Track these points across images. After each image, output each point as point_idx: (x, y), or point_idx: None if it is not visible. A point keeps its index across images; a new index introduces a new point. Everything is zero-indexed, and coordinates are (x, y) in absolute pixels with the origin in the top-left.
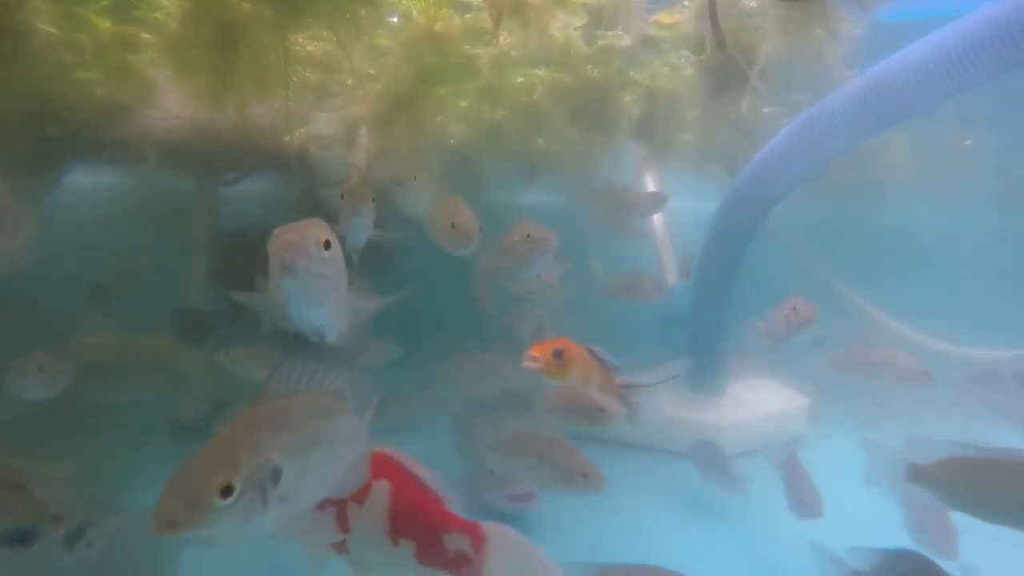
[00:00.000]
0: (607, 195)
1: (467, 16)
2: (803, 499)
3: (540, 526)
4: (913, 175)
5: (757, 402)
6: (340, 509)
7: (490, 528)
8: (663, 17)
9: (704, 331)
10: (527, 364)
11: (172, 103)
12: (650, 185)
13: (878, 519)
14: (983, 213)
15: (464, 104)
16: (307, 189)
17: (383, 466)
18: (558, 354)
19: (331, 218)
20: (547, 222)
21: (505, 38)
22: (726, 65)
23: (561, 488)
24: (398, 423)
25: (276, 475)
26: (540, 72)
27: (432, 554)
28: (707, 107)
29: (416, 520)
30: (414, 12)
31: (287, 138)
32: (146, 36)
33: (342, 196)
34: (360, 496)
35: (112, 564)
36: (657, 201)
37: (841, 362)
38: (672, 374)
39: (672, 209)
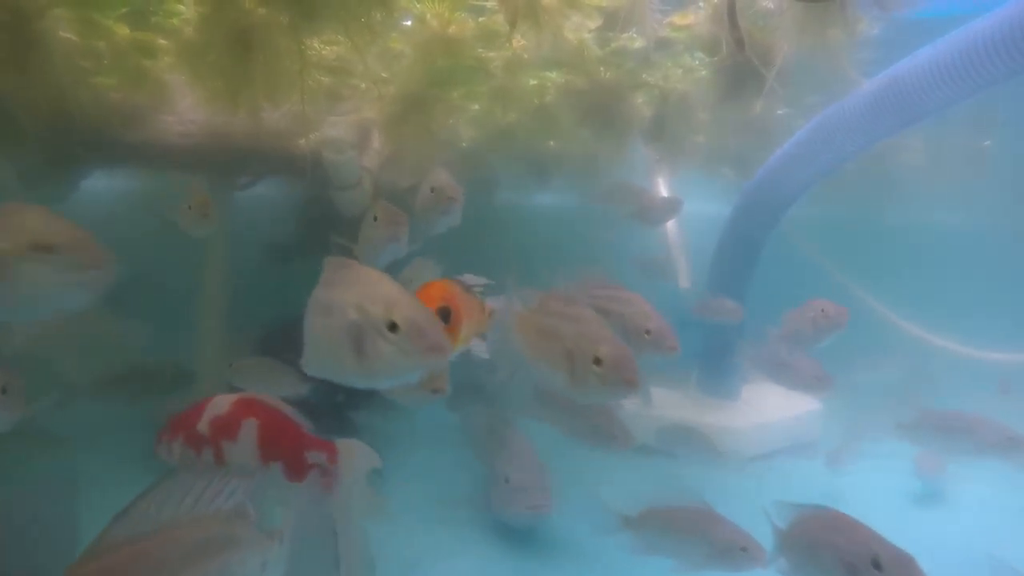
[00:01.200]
0: (622, 196)
1: (480, 19)
2: None
3: (551, 533)
4: (928, 175)
5: (771, 405)
6: (216, 448)
7: (341, 443)
8: (677, 18)
9: (717, 334)
10: None
11: (187, 107)
12: (662, 187)
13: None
14: (1000, 214)
15: (476, 107)
16: (319, 192)
17: (250, 407)
18: (445, 315)
19: (342, 221)
20: (557, 223)
21: (518, 41)
22: (740, 66)
23: (715, 566)
24: (401, 437)
25: None
26: (552, 75)
27: (297, 469)
28: (720, 109)
29: (281, 444)
30: (427, 15)
31: (302, 142)
32: (162, 42)
33: (375, 218)
34: (232, 433)
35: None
36: (673, 206)
37: (914, 427)
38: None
39: (683, 211)
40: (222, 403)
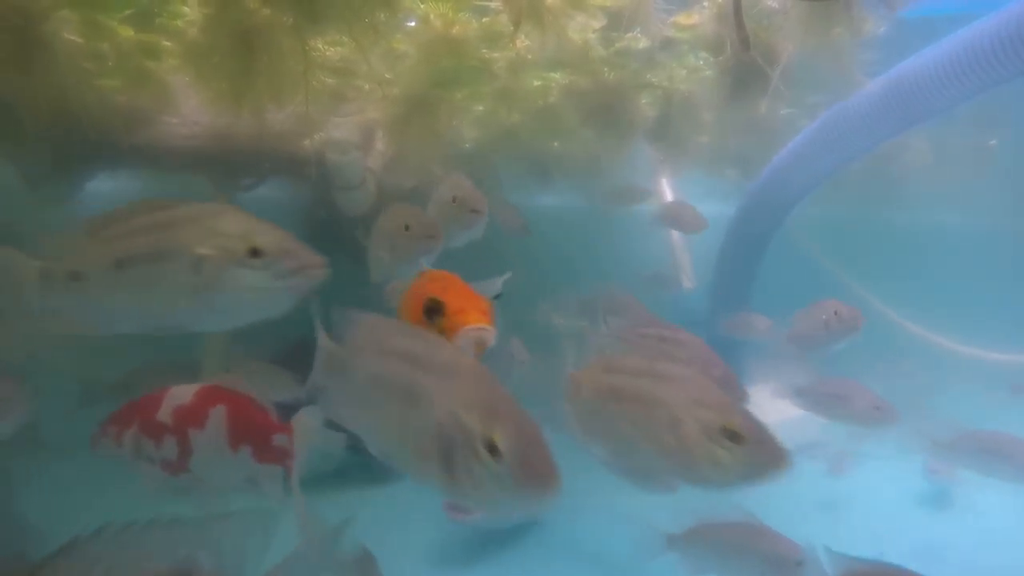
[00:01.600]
0: (628, 196)
1: (484, 20)
2: None
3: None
4: (933, 175)
5: (776, 406)
6: (181, 436)
7: (295, 419)
8: (682, 18)
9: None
10: (475, 336)
11: (191, 109)
12: (665, 188)
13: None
14: (1006, 214)
15: (480, 107)
16: (323, 194)
17: (216, 395)
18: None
19: (344, 223)
20: (561, 224)
21: (521, 41)
22: (745, 66)
23: None
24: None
25: None
26: (556, 75)
27: (266, 452)
28: (724, 109)
29: (249, 429)
30: (431, 16)
31: (306, 143)
32: (166, 43)
33: (406, 227)
34: (199, 421)
35: None
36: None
37: (955, 448)
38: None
39: None
40: (183, 392)
